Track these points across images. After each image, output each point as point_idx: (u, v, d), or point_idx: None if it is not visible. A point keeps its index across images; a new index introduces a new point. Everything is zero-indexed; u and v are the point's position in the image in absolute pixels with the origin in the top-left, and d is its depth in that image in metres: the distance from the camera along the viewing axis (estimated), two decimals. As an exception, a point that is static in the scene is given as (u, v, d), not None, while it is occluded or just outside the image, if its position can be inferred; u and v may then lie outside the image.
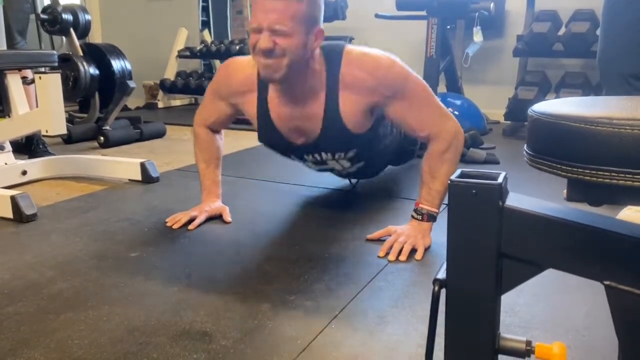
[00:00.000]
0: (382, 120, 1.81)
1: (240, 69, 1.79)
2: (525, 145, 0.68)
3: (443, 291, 0.76)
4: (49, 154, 2.85)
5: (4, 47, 2.67)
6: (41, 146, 2.91)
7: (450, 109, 3.57)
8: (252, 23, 1.51)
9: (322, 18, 1.57)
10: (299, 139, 1.77)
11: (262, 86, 1.72)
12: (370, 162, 1.96)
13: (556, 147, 0.58)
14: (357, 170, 1.98)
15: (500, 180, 0.71)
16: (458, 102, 3.71)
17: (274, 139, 1.82)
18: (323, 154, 1.81)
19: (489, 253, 0.72)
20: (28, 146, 2.88)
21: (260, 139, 1.85)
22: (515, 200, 0.72)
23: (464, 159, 2.77)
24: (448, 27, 3.74)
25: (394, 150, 2.10)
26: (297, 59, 1.52)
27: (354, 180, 2.30)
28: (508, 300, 1.29)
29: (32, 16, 3.32)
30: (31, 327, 1.20)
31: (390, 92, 1.62)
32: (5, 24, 2.76)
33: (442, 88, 3.81)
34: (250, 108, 1.78)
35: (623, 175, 0.54)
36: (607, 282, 0.65)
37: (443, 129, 1.65)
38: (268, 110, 1.73)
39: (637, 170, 0.53)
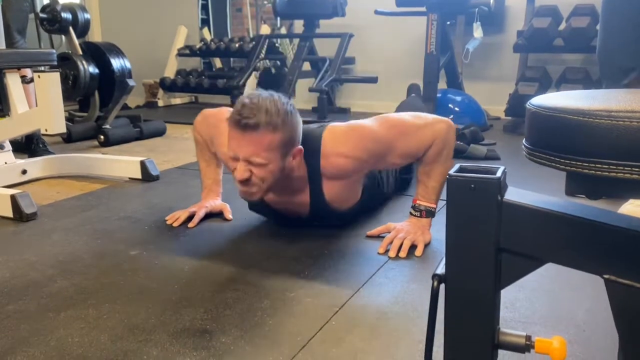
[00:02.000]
0: (372, 179, 1.81)
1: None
2: (524, 139, 0.68)
3: (442, 286, 0.76)
4: (49, 153, 2.85)
5: (3, 46, 2.66)
6: (41, 145, 2.91)
7: (450, 105, 3.59)
8: (229, 150, 1.48)
9: (300, 135, 1.53)
10: (290, 214, 1.75)
11: None
12: (367, 206, 1.92)
13: (554, 140, 0.58)
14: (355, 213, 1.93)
15: (498, 174, 0.71)
16: (458, 98, 3.70)
17: (265, 212, 1.83)
18: (316, 223, 1.79)
19: (488, 248, 0.72)
20: (28, 145, 2.88)
21: (252, 209, 1.85)
22: (514, 194, 0.71)
23: (465, 155, 2.76)
24: (448, 23, 3.73)
25: (390, 184, 2.07)
26: (275, 180, 1.50)
27: None
28: (509, 295, 1.29)
29: (31, 15, 3.31)
30: (31, 326, 1.20)
31: (374, 160, 1.61)
32: (4, 23, 2.76)
33: (442, 84, 3.80)
34: None
35: (622, 167, 0.53)
36: (606, 276, 0.64)
37: (433, 139, 1.61)
38: None
39: (635, 163, 0.52)
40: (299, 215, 1.73)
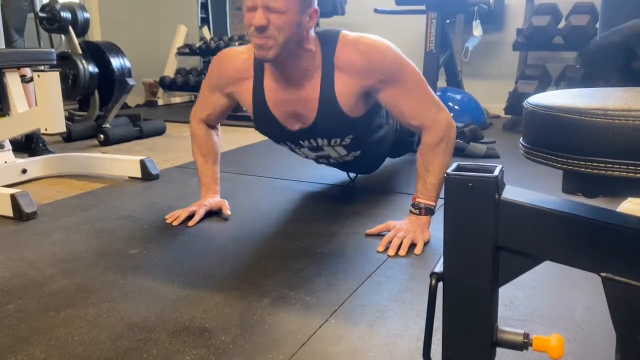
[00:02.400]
0: (377, 110, 1.81)
1: (234, 57, 1.80)
2: (521, 138, 0.68)
3: (440, 285, 0.76)
4: (49, 152, 2.85)
5: (2, 45, 2.66)
6: (41, 144, 2.91)
7: (450, 103, 3.59)
8: (247, 2, 1.52)
9: None
10: (295, 124, 1.77)
11: (258, 73, 1.73)
12: (367, 152, 1.95)
13: (551, 138, 0.58)
14: (354, 160, 1.97)
15: (496, 173, 0.71)
16: (458, 97, 3.70)
17: (270, 126, 1.81)
18: (319, 140, 1.80)
19: (486, 246, 0.72)
20: (28, 145, 2.89)
21: (256, 125, 1.85)
22: (511, 192, 0.71)
23: (464, 153, 2.77)
24: (447, 21, 3.73)
25: (391, 141, 2.10)
26: (291, 37, 1.53)
27: (352, 175, 2.30)
28: (508, 293, 1.29)
29: (31, 14, 3.31)
30: (31, 325, 1.20)
31: (384, 77, 1.63)
32: (3, 22, 2.76)
33: (442, 82, 3.80)
34: (245, 95, 1.78)
35: (618, 166, 0.53)
36: (603, 274, 0.65)
37: (436, 120, 1.64)
38: (264, 97, 1.73)
39: (632, 161, 0.53)
40: (303, 125, 1.75)
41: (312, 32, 1.62)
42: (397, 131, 2.10)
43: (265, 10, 1.48)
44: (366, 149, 1.93)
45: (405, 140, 2.27)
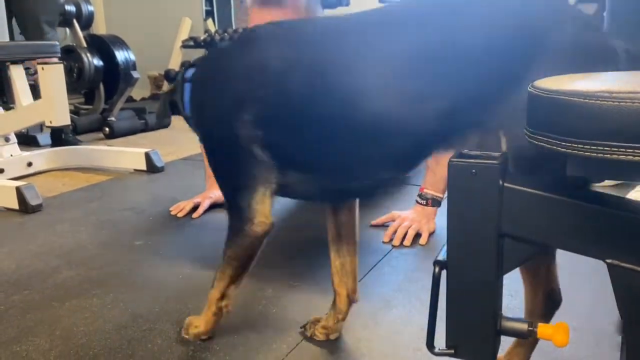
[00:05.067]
0: None
1: None
2: (526, 122, 0.67)
3: (444, 273, 0.76)
4: (79, 142, 2.88)
5: (6, 38, 2.66)
6: (71, 135, 2.94)
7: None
8: None
9: None
10: None
11: None
12: None
13: (555, 122, 0.57)
14: None
15: (500, 160, 0.70)
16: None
17: None
18: None
19: (490, 233, 0.71)
20: (58, 136, 2.91)
21: None
22: (515, 179, 0.70)
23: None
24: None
25: None
26: None
27: None
28: (514, 283, 1.28)
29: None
30: (36, 315, 1.21)
31: None
32: (33, 16, 2.75)
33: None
34: None
35: (624, 150, 0.52)
36: (609, 260, 0.64)
37: None
38: None
39: (638, 145, 0.51)
40: None
41: None
42: None
43: None
44: None
45: None
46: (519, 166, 0.76)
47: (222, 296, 1.03)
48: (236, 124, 0.90)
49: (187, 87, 1.02)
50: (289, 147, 0.91)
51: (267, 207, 0.98)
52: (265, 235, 1.00)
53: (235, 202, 0.98)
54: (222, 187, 1.03)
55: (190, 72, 1.04)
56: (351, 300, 1.08)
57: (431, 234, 1.61)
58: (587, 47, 0.76)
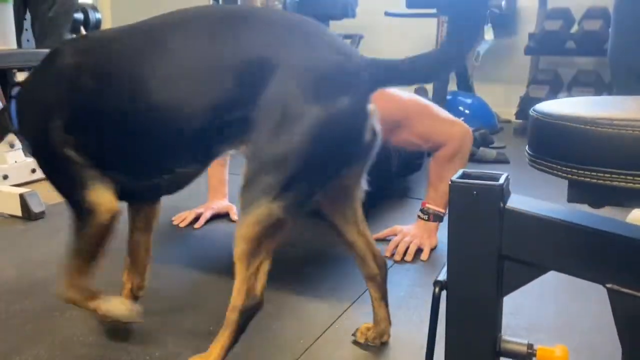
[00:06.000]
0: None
1: None
2: (527, 146, 0.67)
3: (444, 293, 0.76)
4: None
5: (14, 46, 2.68)
6: None
7: (460, 107, 3.57)
8: None
9: None
10: None
11: None
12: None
13: (556, 147, 0.57)
14: None
15: (501, 181, 0.70)
16: (468, 101, 3.68)
17: None
18: None
19: (490, 255, 0.71)
20: None
21: None
22: (516, 201, 0.71)
23: (474, 158, 2.75)
24: (458, 25, 3.71)
25: (398, 165, 2.07)
26: None
27: None
28: (514, 302, 1.28)
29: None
30: (37, 325, 1.21)
31: (389, 125, 1.59)
32: (55, 25, 2.77)
33: (452, 86, 3.78)
34: None
35: (624, 177, 0.52)
36: (609, 285, 0.64)
37: (450, 136, 1.62)
38: None
39: (637, 172, 0.52)
40: None
41: None
42: (405, 157, 2.07)
43: None
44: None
45: (414, 163, 2.23)
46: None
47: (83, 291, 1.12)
48: (51, 131, 1.01)
49: (13, 104, 1.10)
50: (95, 147, 1.02)
51: (107, 199, 1.07)
52: (110, 224, 1.11)
53: (71, 199, 1.11)
54: (57, 189, 1.14)
55: (15, 91, 1.11)
56: (135, 295, 1.25)
57: (433, 249, 1.61)
58: None
